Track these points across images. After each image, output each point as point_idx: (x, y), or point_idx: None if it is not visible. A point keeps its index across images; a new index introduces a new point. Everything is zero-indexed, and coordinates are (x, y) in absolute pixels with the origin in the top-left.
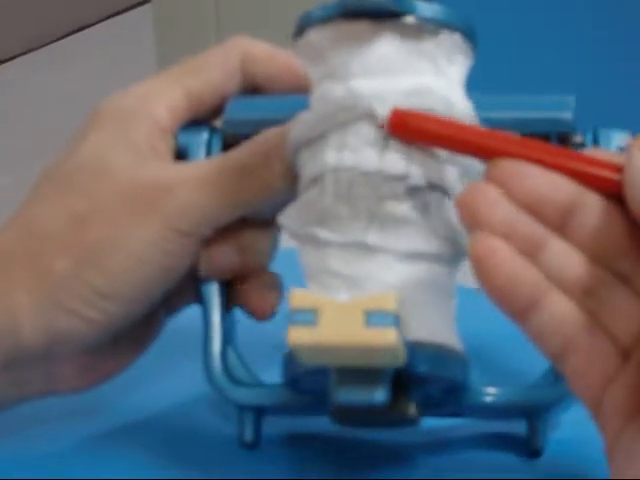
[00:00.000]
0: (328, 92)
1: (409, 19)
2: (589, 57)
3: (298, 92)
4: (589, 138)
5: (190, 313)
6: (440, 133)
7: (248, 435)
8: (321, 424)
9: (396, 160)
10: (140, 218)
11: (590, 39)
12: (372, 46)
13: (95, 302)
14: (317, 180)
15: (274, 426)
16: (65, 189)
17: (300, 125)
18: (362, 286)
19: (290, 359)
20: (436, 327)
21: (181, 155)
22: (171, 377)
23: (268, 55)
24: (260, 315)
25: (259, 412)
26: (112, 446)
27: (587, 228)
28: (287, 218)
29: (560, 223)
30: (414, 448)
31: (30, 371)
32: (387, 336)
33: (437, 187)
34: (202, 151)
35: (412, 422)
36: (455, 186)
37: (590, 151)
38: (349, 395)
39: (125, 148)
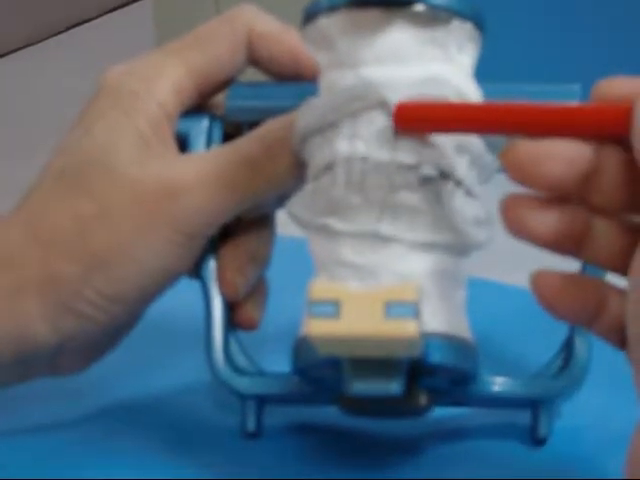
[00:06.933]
0: (338, 80)
1: (420, 7)
2: (592, 44)
3: (298, 78)
4: None
5: (192, 302)
6: (446, 119)
7: (250, 425)
8: (324, 414)
9: (408, 150)
10: (147, 225)
11: (592, 27)
12: (383, 34)
13: (102, 305)
14: (328, 169)
15: (276, 416)
16: (71, 188)
17: (308, 113)
18: (374, 276)
19: (300, 349)
20: (447, 318)
21: (181, 142)
22: (172, 367)
23: (275, 34)
24: (250, 328)
25: (261, 401)
26: (112, 437)
27: (606, 188)
28: (296, 207)
29: (582, 190)
30: (418, 438)
31: (38, 363)
32: (407, 328)
33: (449, 177)
34: (203, 140)
35: (422, 412)
36: (466, 176)
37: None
38: (364, 386)
39: (131, 139)
